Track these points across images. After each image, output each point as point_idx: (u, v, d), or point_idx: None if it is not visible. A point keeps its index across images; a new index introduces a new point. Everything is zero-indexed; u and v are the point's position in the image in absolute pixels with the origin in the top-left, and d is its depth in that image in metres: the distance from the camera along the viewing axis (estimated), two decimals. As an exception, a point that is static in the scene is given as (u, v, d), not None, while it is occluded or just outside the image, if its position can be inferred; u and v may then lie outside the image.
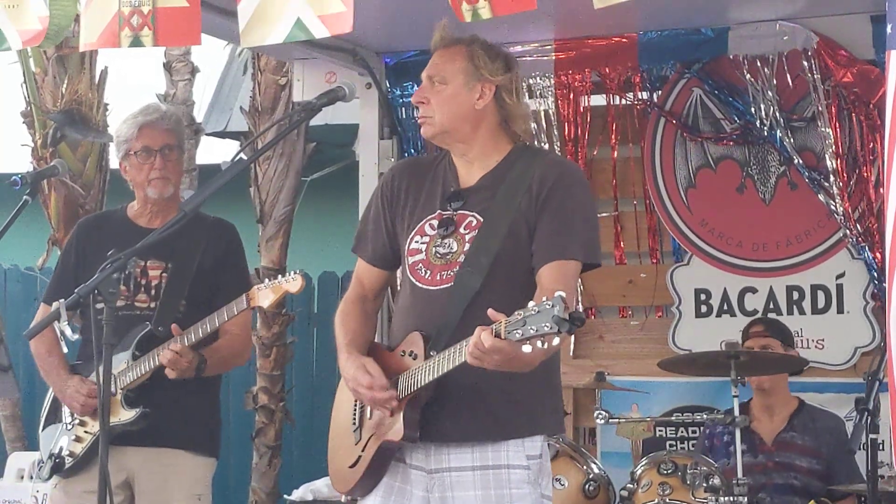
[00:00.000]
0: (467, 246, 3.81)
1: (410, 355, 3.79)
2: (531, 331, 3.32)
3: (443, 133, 3.92)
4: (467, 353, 3.49)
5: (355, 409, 3.96)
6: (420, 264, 3.88)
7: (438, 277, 3.83)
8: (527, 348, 3.34)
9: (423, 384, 3.70)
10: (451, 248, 3.84)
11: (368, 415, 3.89)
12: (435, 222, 3.90)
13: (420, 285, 3.86)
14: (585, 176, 4.22)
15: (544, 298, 3.34)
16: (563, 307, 3.29)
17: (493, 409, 3.77)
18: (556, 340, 3.32)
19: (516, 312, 3.37)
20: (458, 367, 3.59)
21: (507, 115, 3.94)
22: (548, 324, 3.29)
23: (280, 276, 4.73)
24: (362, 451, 3.88)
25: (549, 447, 5.24)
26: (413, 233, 3.93)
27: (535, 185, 3.83)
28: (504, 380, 3.59)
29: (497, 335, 3.40)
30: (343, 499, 4.78)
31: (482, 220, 3.84)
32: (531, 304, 3.36)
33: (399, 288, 4.04)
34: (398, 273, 4.10)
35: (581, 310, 6.42)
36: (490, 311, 3.43)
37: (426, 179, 3.99)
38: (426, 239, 3.89)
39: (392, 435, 3.78)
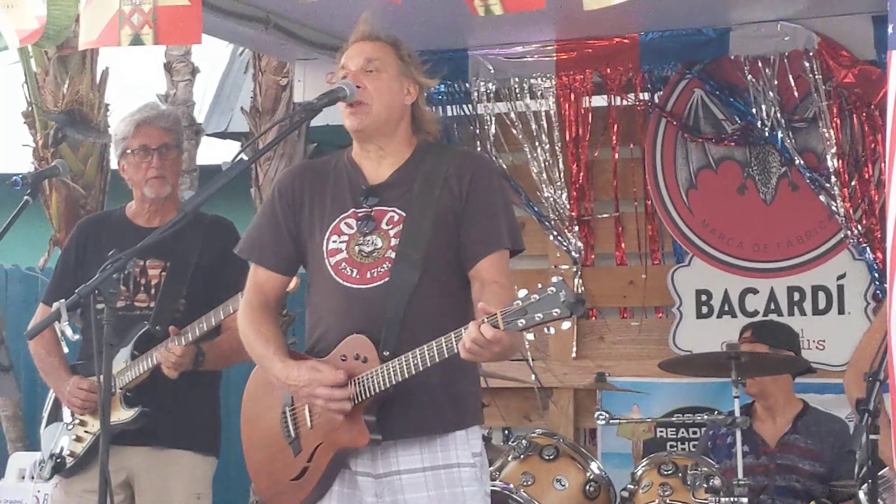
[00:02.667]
0: (394, 241, 3.77)
1: (358, 359, 3.72)
2: (536, 318, 3.33)
3: (379, 124, 3.86)
4: (462, 348, 3.45)
5: (285, 420, 3.90)
6: (344, 263, 3.80)
7: (369, 275, 3.77)
8: (529, 336, 3.35)
9: (385, 387, 3.66)
10: (376, 245, 3.79)
11: (308, 423, 3.82)
12: (352, 221, 3.84)
13: (347, 285, 3.78)
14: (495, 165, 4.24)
15: (539, 285, 3.35)
16: (569, 290, 3.32)
17: (438, 401, 3.75)
18: (565, 325, 3.34)
19: (514, 302, 3.37)
20: (424, 369, 3.58)
21: (420, 117, 3.96)
22: (557, 309, 3.31)
23: None
24: (308, 461, 3.82)
25: (550, 448, 5.31)
26: (328, 233, 3.85)
27: (453, 180, 3.83)
28: (444, 372, 3.61)
29: (495, 327, 3.39)
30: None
31: (404, 214, 3.80)
32: (523, 292, 3.37)
33: (310, 289, 3.93)
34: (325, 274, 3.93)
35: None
36: (481, 305, 3.45)
37: (327, 181, 3.93)
38: (345, 238, 3.83)
39: (351, 441, 3.73)
